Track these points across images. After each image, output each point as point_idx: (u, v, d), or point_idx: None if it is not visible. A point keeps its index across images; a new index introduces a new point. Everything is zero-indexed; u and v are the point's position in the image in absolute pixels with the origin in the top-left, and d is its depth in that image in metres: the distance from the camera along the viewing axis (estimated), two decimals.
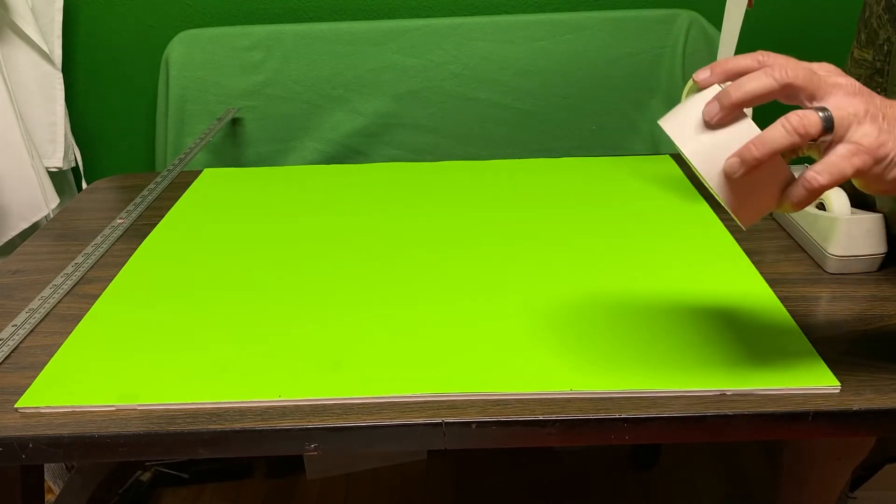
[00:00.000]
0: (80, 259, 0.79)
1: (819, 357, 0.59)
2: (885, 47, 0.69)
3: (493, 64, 1.17)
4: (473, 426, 0.55)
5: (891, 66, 0.69)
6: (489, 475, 1.32)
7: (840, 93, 0.46)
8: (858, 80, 0.73)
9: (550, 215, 0.85)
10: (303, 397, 0.57)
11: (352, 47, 1.17)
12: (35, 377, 0.60)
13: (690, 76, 0.49)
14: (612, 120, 1.19)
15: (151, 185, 0.98)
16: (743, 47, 0.76)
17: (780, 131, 0.45)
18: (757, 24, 1.20)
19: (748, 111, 0.48)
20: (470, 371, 0.59)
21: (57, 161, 1.18)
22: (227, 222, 0.87)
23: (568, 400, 0.56)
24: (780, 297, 0.68)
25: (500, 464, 1.34)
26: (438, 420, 0.55)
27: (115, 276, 0.76)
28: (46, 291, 0.73)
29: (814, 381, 0.57)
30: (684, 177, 0.95)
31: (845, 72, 0.68)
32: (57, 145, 1.18)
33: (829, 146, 0.45)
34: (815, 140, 0.45)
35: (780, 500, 1.04)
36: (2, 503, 0.78)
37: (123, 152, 1.34)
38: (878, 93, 0.70)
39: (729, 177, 0.46)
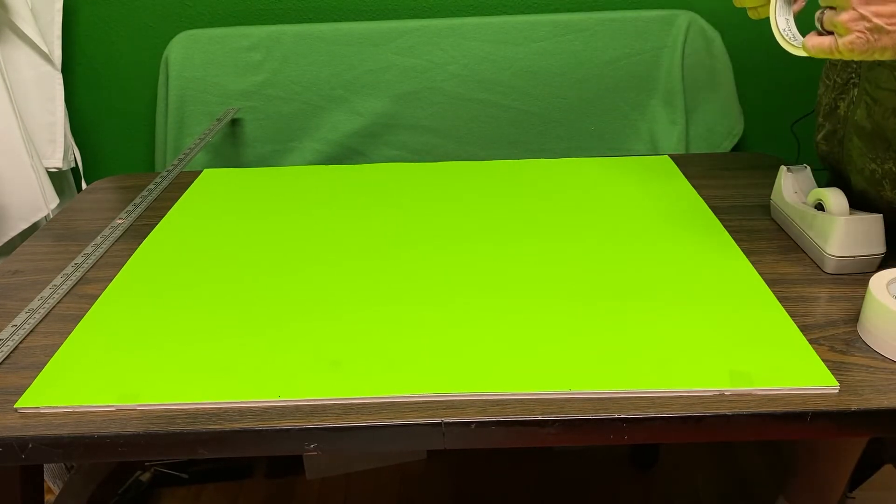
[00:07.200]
0: (79, 259, 0.79)
1: (818, 357, 0.59)
2: None
3: (492, 64, 1.17)
4: (473, 426, 0.55)
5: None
6: (489, 475, 1.32)
7: None
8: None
9: (549, 215, 0.85)
10: (302, 397, 0.57)
11: (352, 47, 1.17)
12: (35, 377, 0.60)
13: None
14: (612, 120, 1.20)
15: (151, 186, 0.98)
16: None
17: None
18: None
19: None
20: (470, 371, 0.59)
21: (57, 161, 1.18)
22: (226, 223, 0.87)
23: (568, 400, 0.56)
24: (778, 298, 0.68)
25: (500, 464, 1.34)
26: (438, 420, 0.55)
27: (114, 276, 0.76)
28: (46, 292, 0.73)
29: (812, 381, 0.57)
30: (683, 177, 0.95)
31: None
32: (57, 145, 1.18)
33: None
34: None
35: (790, 477, 1.04)
36: (2, 503, 0.78)
37: (123, 152, 1.34)
38: (852, 78, 0.72)
39: None
